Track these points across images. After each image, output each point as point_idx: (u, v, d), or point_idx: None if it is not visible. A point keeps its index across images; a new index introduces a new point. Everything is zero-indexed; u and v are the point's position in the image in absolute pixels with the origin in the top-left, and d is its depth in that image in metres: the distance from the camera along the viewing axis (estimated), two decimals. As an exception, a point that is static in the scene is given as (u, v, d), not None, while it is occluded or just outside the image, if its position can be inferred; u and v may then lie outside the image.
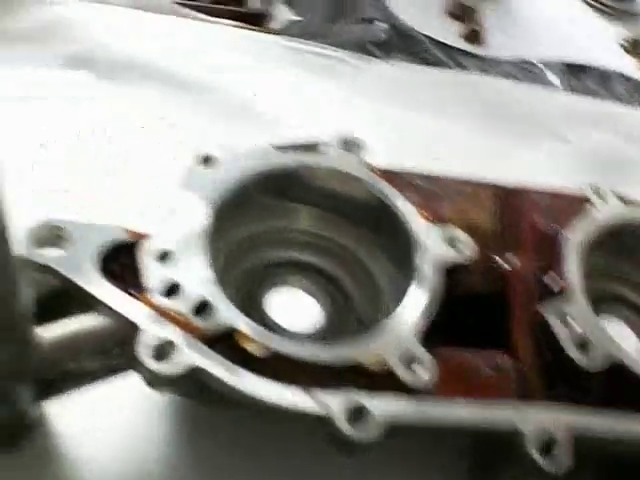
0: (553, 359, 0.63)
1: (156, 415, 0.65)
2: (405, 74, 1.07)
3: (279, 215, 0.69)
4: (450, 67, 1.13)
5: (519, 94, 1.09)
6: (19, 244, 0.53)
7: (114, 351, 0.56)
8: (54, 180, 0.80)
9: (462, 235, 0.66)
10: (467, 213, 0.70)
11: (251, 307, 0.67)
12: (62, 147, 0.87)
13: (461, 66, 1.15)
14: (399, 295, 0.66)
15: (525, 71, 1.18)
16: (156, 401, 0.65)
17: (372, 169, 0.68)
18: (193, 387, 0.55)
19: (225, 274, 0.64)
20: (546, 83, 1.16)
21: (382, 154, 0.71)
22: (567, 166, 0.98)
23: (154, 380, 0.54)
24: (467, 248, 0.66)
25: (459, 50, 1.18)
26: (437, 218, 0.68)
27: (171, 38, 1.02)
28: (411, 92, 1.04)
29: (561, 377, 0.62)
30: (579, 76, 1.17)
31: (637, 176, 0.98)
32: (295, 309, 0.70)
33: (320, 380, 0.55)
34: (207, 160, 0.65)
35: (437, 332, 0.61)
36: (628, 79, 1.21)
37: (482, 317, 0.65)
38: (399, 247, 0.66)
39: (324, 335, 0.68)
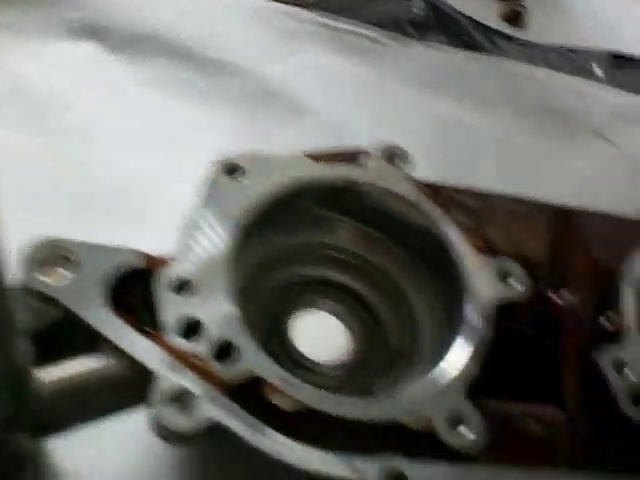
0: (607, 414, 0.56)
1: (165, 455, 0.59)
2: (442, 58, 0.98)
3: (313, 230, 0.62)
4: (490, 51, 1.04)
5: (563, 88, 1.00)
6: (14, 267, 0.45)
7: (122, 393, 0.49)
8: (52, 186, 0.71)
9: (517, 269, 0.59)
10: (520, 241, 0.63)
11: (274, 331, 0.60)
12: (57, 144, 0.77)
13: (500, 50, 1.06)
14: (440, 332, 0.60)
15: (568, 60, 1.08)
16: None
17: (418, 186, 0.61)
18: (211, 442, 0.48)
19: (248, 292, 0.57)
20: (589, 75, 1.07)
21: (413, 147, 0.63)
22: (615, 173, 0.90)
23: (166, 434, 0.47)
24: (521, 284, 0.59)
25: (499, 32, 1.09)
26: (488, 247, 0.61)
27: (192, 5, 0.92)
28: (448, 79, 0.95)
29: (614, 435, 0.56)
30: (627, 70, 1.08)
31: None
32: (322, 334, 0.63)
33: (355, 438, 0.49)
34: (232, 170, 0.58)
35: (481, 380, 0.54)
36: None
37: (530, 362, 0.59)
38: (445, 279, 0.59)
39: (351, 366, 0.61)
